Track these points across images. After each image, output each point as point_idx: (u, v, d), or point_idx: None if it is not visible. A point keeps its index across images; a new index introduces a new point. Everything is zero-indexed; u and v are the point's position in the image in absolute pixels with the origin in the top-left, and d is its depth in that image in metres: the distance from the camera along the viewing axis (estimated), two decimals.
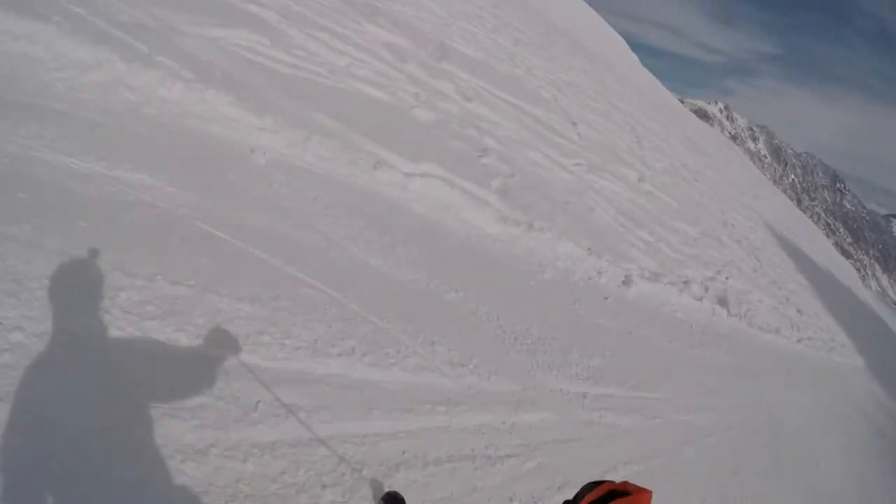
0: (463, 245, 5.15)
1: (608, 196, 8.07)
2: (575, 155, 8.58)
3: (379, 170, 4.96)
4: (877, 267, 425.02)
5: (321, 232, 3.98)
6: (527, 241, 5.70)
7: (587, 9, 40.15)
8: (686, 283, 7.20)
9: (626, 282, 6.29)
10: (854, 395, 10.25)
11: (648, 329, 6.00)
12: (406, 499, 2.78)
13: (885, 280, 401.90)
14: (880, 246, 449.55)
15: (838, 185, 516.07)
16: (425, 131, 6.13)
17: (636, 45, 39.84)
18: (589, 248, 6.13)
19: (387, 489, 2.80)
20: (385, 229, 4.50)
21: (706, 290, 7.65)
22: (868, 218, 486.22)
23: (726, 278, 8.66)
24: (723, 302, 7.78)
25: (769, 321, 8.77)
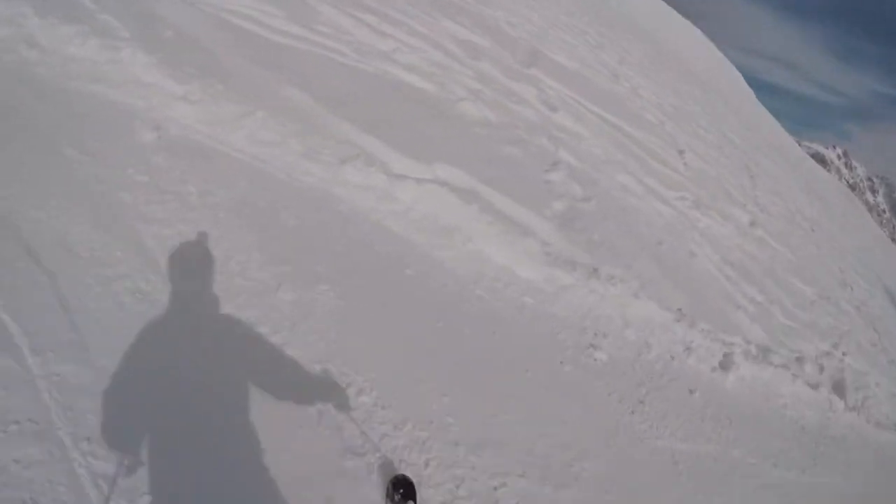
0: (453, 294, 3.44)
1: (713, 239, 6.78)
2: (678, 187, 7.36)
3: (349, 165, 3.74)
4: None
5: (146, 249, 2.58)
6: (583, 294, 4.11)
7: (701, 37, 37.98)
8: (799, 360, 5.80)
9: (725, 364, 4.74)
10: None
11: (746, 445, 4.12)
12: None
13: None
14: None
15: None
16: (466, 129, 4.92)
17: (750, 80, 37.38)
18: (680, 310, 4.70)
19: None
20: (297, 255, 2.96)
21: (821, 370, 6.18)
22: None
23: (843, 354, 7.10)
24: (839, 389, 6.26)
25: (887, 412, 7.13)
